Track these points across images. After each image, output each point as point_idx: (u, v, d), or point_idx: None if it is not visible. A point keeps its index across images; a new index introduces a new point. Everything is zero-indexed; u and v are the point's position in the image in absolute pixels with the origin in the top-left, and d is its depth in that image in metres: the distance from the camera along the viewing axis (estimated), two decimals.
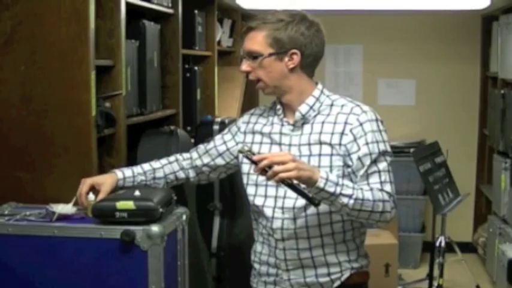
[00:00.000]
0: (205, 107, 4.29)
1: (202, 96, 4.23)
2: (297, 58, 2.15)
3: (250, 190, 2.25)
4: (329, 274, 2.22)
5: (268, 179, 1.94)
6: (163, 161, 2.41)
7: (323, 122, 2.17)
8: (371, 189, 2.07)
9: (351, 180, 2.11)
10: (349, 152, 2.13)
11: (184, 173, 2.41)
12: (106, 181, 2.25)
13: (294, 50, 2.14)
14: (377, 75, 5.94)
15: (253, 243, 2.34)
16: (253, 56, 2.16)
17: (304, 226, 2.17)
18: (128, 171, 2.33)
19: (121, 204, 2.03)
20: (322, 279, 2.22)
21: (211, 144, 2.40)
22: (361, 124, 2.14)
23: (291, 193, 2.05)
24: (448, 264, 4.41)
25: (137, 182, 2.33)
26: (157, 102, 3.42)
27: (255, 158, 1.95)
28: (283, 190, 2.15)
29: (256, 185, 2.23)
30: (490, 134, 5.44)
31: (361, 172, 2.11)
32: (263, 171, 1.94)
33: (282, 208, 2.19)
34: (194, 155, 2.42)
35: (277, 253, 2.23)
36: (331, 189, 1.97)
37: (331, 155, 2.14)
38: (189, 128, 3.78)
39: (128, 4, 2.87)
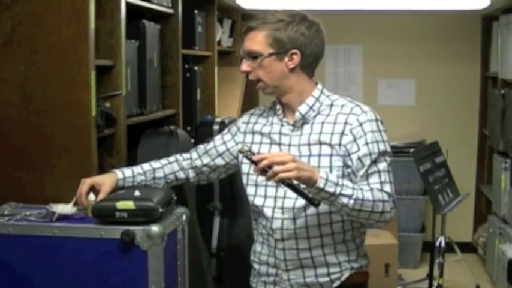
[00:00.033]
0: (205, 107, 4.29)
1: (202, 96, 4.23)
2: (297, 58, 2.15)
3: (250, 190, 2.25)
4: (329, 274, 2.22)
5: (268, 179, 1.94)
6: (163, 161, 2.41)
7: (323, 122, 2.17)
8: (371, 190, 2.07)
9: (351, 180, 2.10)
10: (348, 152, 2.13)
11: (184, 173, 2.41)
12: (106, 181, 2.25)
13: (294, 50, 2.14)
14: (377, 75, 5.94)
15: (253, 243, 2.34)
16: (253, 56, 2.16)
17: (304, 226, 2.17)
18: (127, 171, 2.33)
19: (121, 204, 2.03)
20: (321, 279, 2.21)
21: (211, 145, 2.40)
22: (360, 124, 2.14)
23: (290, 193, 2.04)
24: (448, 264, 4.41)
25: (137, 182, 2.33)
26: (157, 102, 3.42)
27: (254, 158, 1.95)
28: (283, 190, 2.15)
29: (256, 185, 2.23)
30: (490, 134, 5.44)
31: (361, 172, 2.11)
32: (263, 172, 1.94)
33: (282, 208, 2.18)
34: (194, 155, 2.42)
35: (276, 253, 2.23)
36: (331, 190, 1.97)
37: (331, 155, 2.13)
38: (189, 128, 3.78)
39: (128, 4, 2.87)
